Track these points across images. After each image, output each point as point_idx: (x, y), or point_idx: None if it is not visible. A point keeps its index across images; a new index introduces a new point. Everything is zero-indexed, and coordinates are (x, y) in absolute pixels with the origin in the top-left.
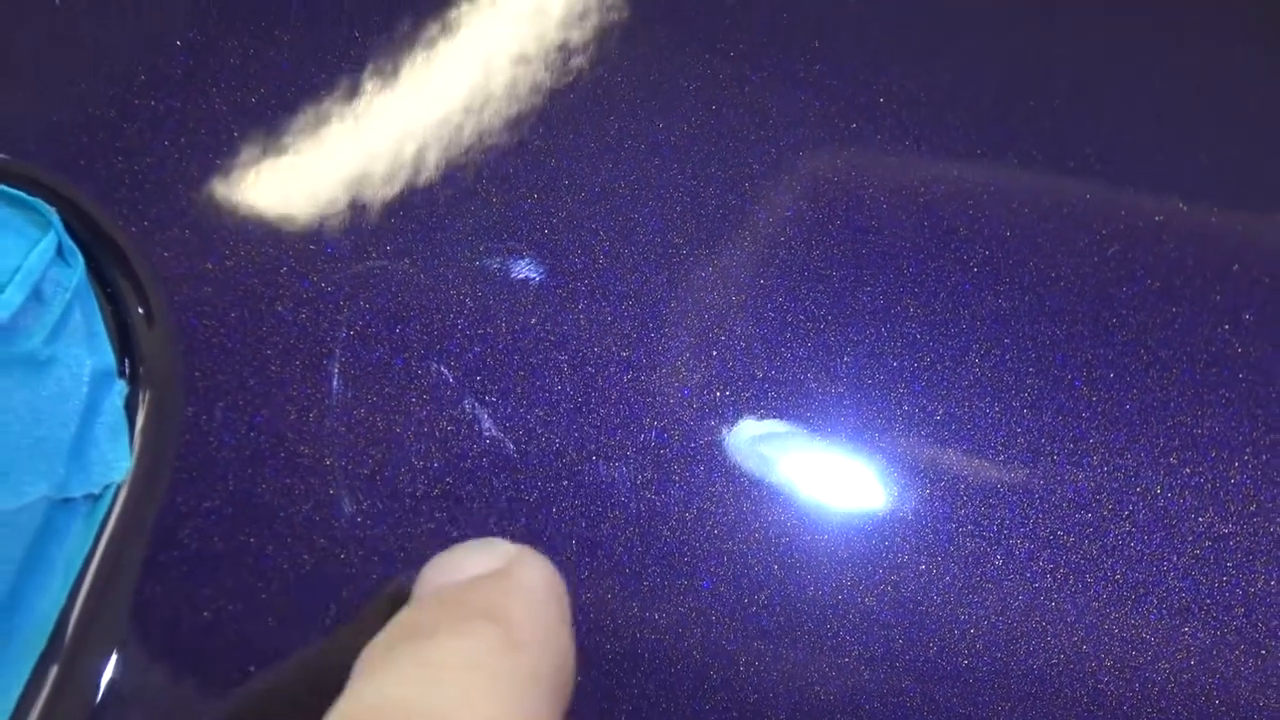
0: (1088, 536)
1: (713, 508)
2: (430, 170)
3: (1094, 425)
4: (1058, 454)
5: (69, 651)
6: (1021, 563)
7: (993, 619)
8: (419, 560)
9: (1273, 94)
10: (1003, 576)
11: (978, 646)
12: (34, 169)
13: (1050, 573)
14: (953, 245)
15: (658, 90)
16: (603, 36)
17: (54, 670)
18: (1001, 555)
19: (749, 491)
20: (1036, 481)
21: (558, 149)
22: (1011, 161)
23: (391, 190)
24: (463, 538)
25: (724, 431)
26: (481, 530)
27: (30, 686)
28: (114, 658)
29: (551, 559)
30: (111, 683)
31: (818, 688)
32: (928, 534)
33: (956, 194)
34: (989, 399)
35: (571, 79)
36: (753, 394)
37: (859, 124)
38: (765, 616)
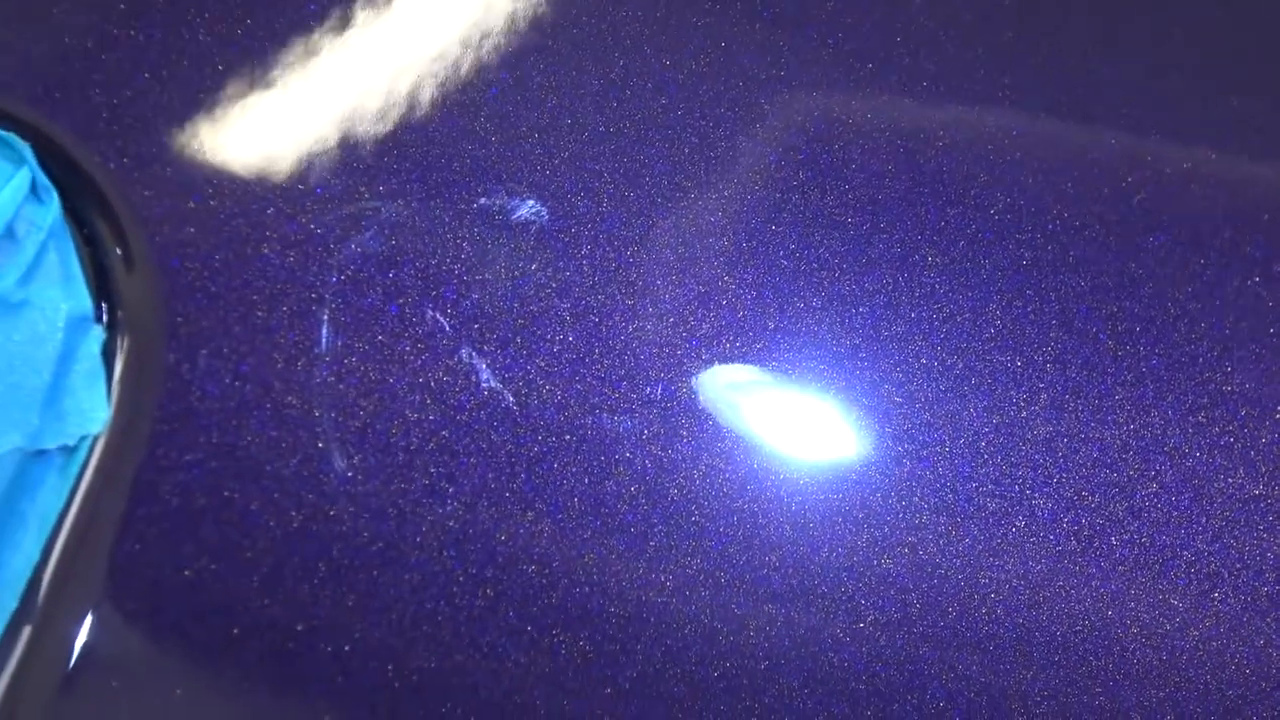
0: (1113, 498)
1: (722, 464)
2: (425, 107)
3: (1120, 381)
4: (1082, 411)
5: (43, 612)
6: (1044, 524)
7: (1013, 583)
8: (412, 519)
9: None
10: (1024, 539)
11: (998, 611)
12: (5, 101)
13: (1074, 535)
14: (973, 192)
15: (665, 27)
16: None
17: (26, 631)
18: (1024, 516)
19: (760, 448)
20: (1060, 440)
21: (559, 87)
22: (1035, 105)
23: (385, 128)
24: (459, 495)
25: (734, 385)
26: (479, 487)
27: (1, 648)
28: (89, 619)
29: (553, 517)
30: (86, 645)
31: (831, 653)
32: (947, 493)
33: (977, 139)
34: (1010, 353)
35: (574, 13)
36: (764, 345)
37: (875, 65)
38: (776, 578)
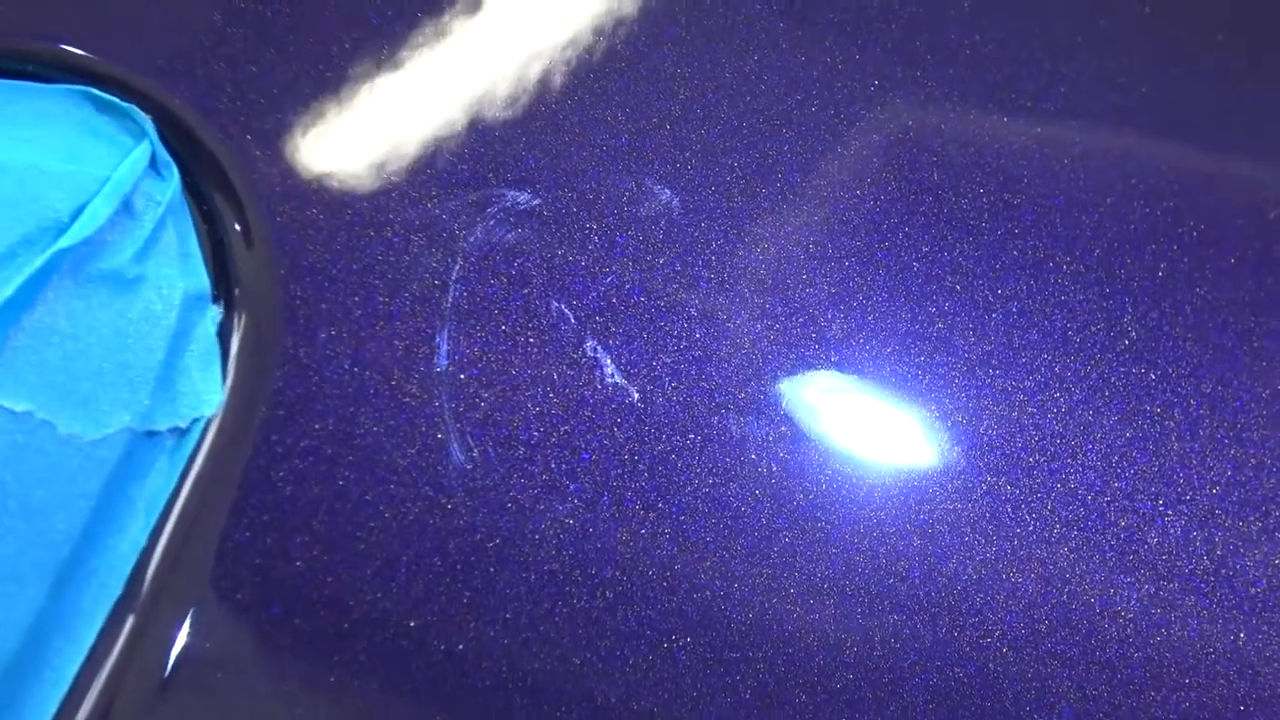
0: (1250, 519)
1: (850, 470)
2: (556, 94)
3: (1256, 398)
4: (1219, 426)
5: (147, 601)
6: (1177, 543)
7: (1146, 603)
8: (531, 515)
9: None
10: (1157, 557)
11: (1129, 631)
12: (129, 72)
13: (1209, 555)
14: (1109, 200)
15: (800, 21)
16: None
17: (130, 621)
18: (1157, 534)
19: (889, 455)
20: (1193, 455)
21: (692, 78)
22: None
23: (513, 114)
24: (580, 492)
25: (864, 388)
26: (601, 484)
27: (103, 637)
28: (194, 610)
29: (675, 518)
30: (189, 640)
31: (957, 668)
32: (1078, 507)
33: (1115, 147)
34: (1145, 365)
35: (710, 3)
36: (895, 349)
37: (1011, 69)
38: (902, 589)
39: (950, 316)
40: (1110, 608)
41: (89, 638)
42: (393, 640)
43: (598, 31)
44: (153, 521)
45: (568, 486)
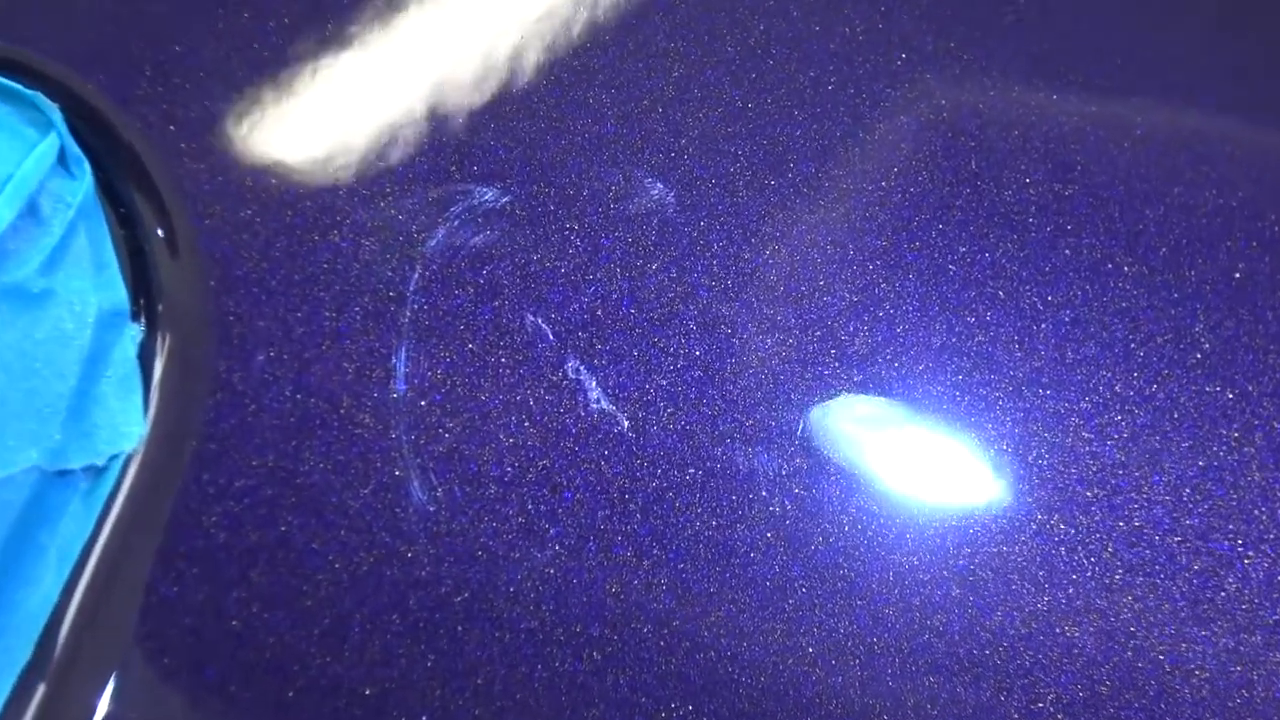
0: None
1: (875, 508)
2: (529, 74)
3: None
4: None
5: (60, 666)
6: (1259, 589)
7: (1223, 658)
8: (506, 564)
9: None
10: (1235, 605)
11: (1204, 692)
12: (34, 55)
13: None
14: (1176, 190)
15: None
16: None
17: (40, 690)
18: (1235, 578)
19: (922, 490)
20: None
21: (687, 53)
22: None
23: (480, 98)
24: (561, 537)
25: (891, 413)
26: (586, 527)
27: (9, 710)
28: (116, 676)
29: (673, 566)
30: (112, 710)
31: None
32: (1144, 549)
33: (1177, 137)
34: (1221, 382)
35: None
36: (927, 366)
37: (1056, 41)
38: (939, 646)
39: (993, 328)
40: (1182, 665)
41: None
42: (345, 711)
43: (577, 1)
44: (67, 573)
45: (547, 531)
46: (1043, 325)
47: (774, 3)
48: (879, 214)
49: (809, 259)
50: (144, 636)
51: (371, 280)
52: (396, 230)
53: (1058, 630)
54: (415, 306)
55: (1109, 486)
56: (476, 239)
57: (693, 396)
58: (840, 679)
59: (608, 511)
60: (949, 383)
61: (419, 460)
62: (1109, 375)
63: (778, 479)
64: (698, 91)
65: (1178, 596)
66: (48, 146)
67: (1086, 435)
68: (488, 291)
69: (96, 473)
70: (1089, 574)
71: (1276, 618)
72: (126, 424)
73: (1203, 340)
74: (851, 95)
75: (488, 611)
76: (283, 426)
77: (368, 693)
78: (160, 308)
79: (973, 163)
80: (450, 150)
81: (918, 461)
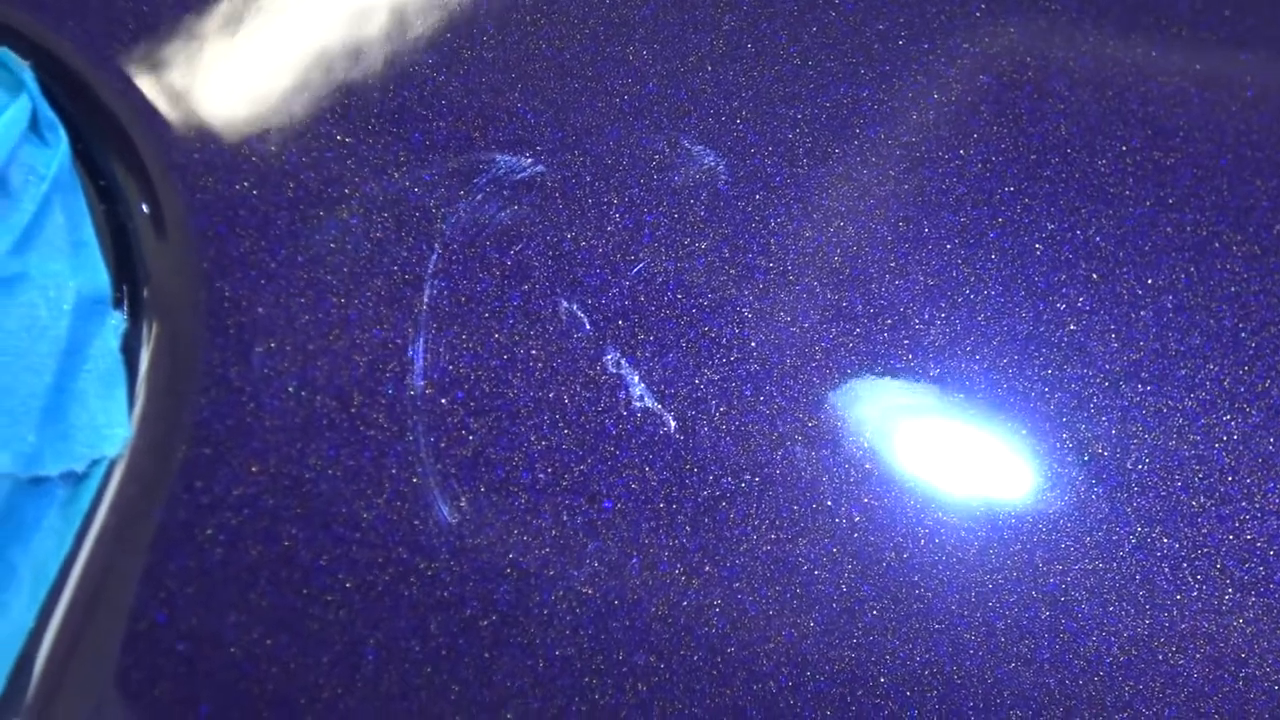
0: None
1: (958, 522)
2: (561, 27)
3: None
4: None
5: (35, 701)
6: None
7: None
8: (538, 584)
9: None
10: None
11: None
12: (4, 9)
13: None
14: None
15: None
16: None
17: None
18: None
19: (1012, 496)
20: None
21: (738, 4)
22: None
23: (506, 53)
24: (601, 552)
25: (972, 409)
26: (628, 541)
27: None
28: (96, 713)
29: (727, 585)
30: None
31: None
32: (1257, 566)
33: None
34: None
35: None
36: (1013, 359)
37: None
38: (1026, 676)
39: (1085, 315)
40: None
41: None
42: None
43: None
44: (42, 596)
45: (585, 545)
46: (1142, 313)
47: None
48: (956, 186)
49: (878, 237)
50: (129, 668)
51: (385, 261)
52: (412, 205)
53: (1160, 657)
54: (434, 291)
55: (1217, 495)
56: (503, 214)
57: (748, 393)
58: (916, 713)
59: (653, 523)
60: (1037, 378)
61: (439, 466)
62: (1216, 369)
63: (844, 487)
64: (751, 46)
65: None
66: (18, 111)
67: (1192, 437)
68: (516, 274)
69: (76, 480)
70: (1195, 594)
71: None
72: (109, 425)
73: (1276, 327)
74: (925, 50)
75: (518, 637)
76: (285, 428)
77: None
78: (146, 293)
79: (1062, 128)
80: (472, 114)
81: (1001, 467)
